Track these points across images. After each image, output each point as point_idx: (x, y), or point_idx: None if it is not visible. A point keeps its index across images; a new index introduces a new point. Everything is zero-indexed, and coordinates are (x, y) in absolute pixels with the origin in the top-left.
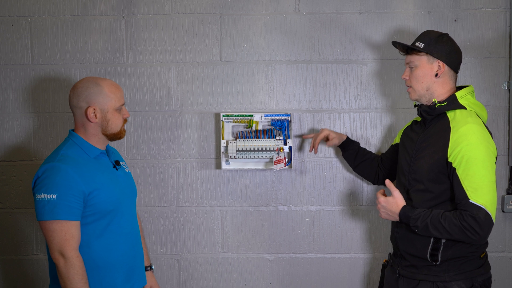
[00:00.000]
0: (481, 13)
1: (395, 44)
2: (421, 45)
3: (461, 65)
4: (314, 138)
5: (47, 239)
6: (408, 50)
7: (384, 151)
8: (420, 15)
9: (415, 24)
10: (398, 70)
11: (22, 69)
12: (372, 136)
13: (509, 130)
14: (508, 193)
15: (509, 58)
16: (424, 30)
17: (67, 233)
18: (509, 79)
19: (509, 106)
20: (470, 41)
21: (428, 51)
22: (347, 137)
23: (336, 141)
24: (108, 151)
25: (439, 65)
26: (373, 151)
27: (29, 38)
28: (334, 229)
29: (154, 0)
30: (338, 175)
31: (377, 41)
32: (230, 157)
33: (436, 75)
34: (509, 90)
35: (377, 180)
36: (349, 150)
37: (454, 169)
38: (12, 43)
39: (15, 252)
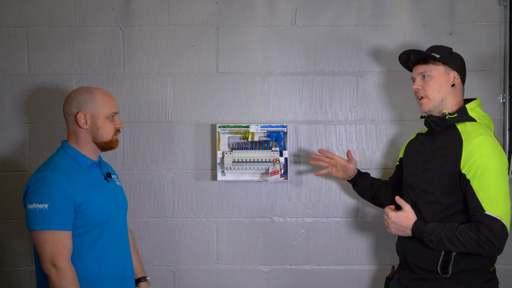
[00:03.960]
0: (476, 27)
1: (408, 52)
2: (437, 55)
3: None
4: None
5: (38, 250)
6: (425, 59)
7: (378, 163)
8: (415, 28)
9: (411, 37)
10: (394, 83)
11: (19, 79)
12: (368, 148)
13: (504, 143)
14: None
15: (504, 71)
16: (419, 43)
17: (59, 243)
18: (504, 92)
19: (503, 119)
20: (465, 54)
21: (445, 61)
22: (358, 170)
23: (352, 169)
24: (101, 163)
25: (454, 76)
26: (368, 163)
27: (26, 48)
28: (330, 241)
29: (151, 11)
30: (334, 187)
31: (372, 54)
32: (226, 168)
33: (453, 85)
34: (504, 103)
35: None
36: (364, 181)
37: (468, 180)
38: (9, 54)
39: (10, 263)
